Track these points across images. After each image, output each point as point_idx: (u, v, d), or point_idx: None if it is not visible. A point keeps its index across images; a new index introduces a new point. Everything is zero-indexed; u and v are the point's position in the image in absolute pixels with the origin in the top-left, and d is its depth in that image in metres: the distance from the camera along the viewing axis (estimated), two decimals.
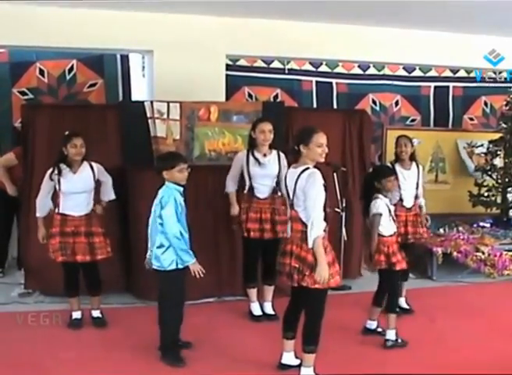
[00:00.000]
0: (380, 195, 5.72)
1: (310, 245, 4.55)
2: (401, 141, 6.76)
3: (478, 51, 8.89)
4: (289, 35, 8.15)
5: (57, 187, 5.87)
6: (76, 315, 6.04)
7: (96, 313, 6.16)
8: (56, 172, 5.85)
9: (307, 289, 4.64)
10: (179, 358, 5.23)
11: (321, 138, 4.70)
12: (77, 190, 5.89)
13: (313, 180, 4.57)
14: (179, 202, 5.15)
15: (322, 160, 4.78)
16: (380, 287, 5.94)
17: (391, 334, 5.66)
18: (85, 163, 5.99)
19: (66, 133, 5.89)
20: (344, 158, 7.86)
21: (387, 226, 5.71)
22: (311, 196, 4.56)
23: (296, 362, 4.95)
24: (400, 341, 5.66)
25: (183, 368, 5.12)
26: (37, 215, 6.03)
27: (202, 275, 5.13)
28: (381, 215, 5.65)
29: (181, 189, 5.21)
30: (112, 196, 6.31)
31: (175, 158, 5.31)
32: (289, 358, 5.03)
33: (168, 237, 5.10)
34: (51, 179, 5.88)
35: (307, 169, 4.65)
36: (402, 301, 6.65)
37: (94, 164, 6.04)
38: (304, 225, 4.63)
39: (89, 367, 5.11)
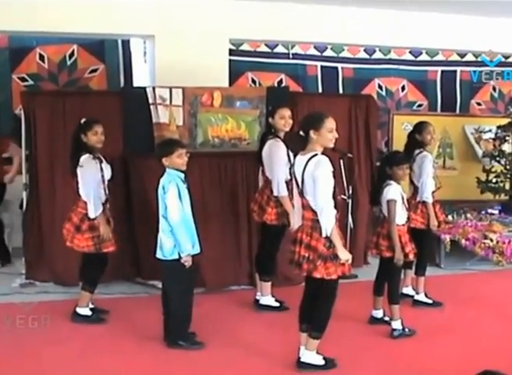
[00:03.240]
0: (392, 182, 5.58)
1: (324, 234, 4.48)
2: (430, 127, 6.55)
3: (486, 35, 8.76)
4: (293, 18, 8.04)
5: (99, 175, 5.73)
6: (87, 311, 5.86)
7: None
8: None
9: (320, 279, 4.58)
10: (196, 342, 5.24)
11: (332, 123, 4.62)
12: (109, 177, 5.86)
13: (321, 167, 4.49)
14: (181, 188, 5.08)
15: (332, 146, 4.69)
16: (379, 275, 5.85)
17: (397, 324, 5.57)
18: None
19: (83, 120, 5.78)
20: (350, 144, 7.75)
21: (400, 215, 5.57)
22: (319, 184, 4.47)
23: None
24: (407, 330, 5.57)
25: (199, 351, 5.14)
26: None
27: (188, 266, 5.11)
28: (395, 201, 5.50)
29: (182, 175, 5.15)
30: None
31: (172, 143, 5.30)
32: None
33: (170, 224, 5.05)
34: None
35: (315, 155, 4.56)
36: (409, 290, 6.57)
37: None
38: (315, 213, 4.56)
39: (92, 358, 5.04)
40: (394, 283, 5.67)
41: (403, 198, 5.62)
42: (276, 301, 6.29)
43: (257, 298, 6.34)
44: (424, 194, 6.36)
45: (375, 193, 5.76)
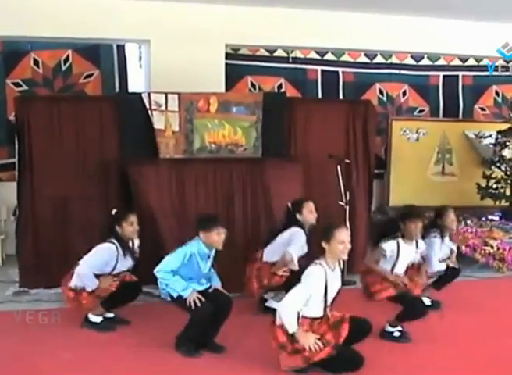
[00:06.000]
0: (399, 237, 5.64)
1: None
2: (451, 213, 6.47)
3: (488, 40, 8.69)
4: (291, 23, 8.00)
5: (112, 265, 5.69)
6: (97, 319, 5.81)
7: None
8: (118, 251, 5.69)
9: None
10: (195, 349, 5.18)
11: (343, 234, 4.70)
12: (125, 268, 5.85)
13: (306, 275, 4.65)
14: (196, 260, 5.24)
15: (345, 258, 4.78)
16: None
17: (389, 328, 5.57)
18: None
19: (115, 211, 5.78)
20: (348, 150, 7.65)
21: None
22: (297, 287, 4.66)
23: None
24: (396, 335, 5.52)
25: (197, 358, 5.09)
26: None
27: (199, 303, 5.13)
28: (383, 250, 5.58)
29: (207, 251, 5.30)
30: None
31: (213, 221, 5.33)
32: None
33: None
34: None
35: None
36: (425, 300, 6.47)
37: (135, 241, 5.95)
38: None
39: (87, 367, 4.95)
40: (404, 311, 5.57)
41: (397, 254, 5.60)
42: None
43: (266, 297, 6.34)
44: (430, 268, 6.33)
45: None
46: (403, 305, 5.51)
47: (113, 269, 5.71)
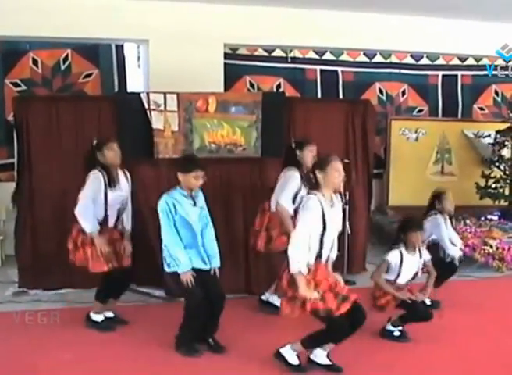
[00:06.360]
0: (400, 246, 5.64)
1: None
2: (448, 195, 6.56)
3: (487, 39, 8.68)
4: (290, 23, 7.98)
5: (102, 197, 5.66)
6: (97, 317, 5.83)
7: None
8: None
9: None
10: (195, 349, 5.19)
11: (338, 164, 4.71)
12: (117, 201, 5.78)
13: (304, 207, 4.65)
14: (180, 205, 5.12)
15: (341, 187, 4.84)
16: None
17: (390, 326, 5.62)
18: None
19: (95, 140, 5.74)
20: (347, 150, 7.63)
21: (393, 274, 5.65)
22: (298, 223, 4.65)
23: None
24: (396, 334, 5.57)
25: (197, 358, 5.11)
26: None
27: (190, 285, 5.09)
28: (386, 261, 5.59)
29: (185, 192, 5.17)
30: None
31: (193, 163, 5.23)
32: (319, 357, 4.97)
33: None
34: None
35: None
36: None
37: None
38: None
39: (87, 367, 4.97)
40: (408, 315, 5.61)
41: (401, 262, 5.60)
42: None
43: (263, 297, 6.38)
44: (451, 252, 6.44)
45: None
46: (406, 311, 5.54)
47: (106, 201, 5.64)
